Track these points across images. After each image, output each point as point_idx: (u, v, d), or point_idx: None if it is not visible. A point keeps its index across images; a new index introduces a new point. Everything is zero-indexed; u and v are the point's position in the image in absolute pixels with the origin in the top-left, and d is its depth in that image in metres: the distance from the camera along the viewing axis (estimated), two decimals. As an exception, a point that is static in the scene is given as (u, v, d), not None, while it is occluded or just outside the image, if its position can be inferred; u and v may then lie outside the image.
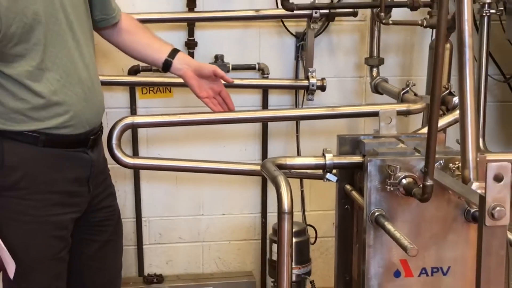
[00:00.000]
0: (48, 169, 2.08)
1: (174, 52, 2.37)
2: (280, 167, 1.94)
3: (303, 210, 3.15)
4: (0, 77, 1.99)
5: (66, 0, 2.07)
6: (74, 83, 2.08)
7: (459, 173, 1.73)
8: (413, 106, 2.54)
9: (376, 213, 1.81)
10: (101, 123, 2.26)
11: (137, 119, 2.54)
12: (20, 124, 2.03)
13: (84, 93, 2.10)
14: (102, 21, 2.31)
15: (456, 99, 2.55)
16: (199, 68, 2.37)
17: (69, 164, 2.12)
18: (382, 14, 2.82)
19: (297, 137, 3.10)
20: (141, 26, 2.42)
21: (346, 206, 2.05)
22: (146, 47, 2.39)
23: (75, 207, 2.15)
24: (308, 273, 2.70)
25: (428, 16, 2.90)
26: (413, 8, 2.89)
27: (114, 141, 2.31)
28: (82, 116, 2.10)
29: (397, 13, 2.93)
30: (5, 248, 2.01)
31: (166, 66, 2.36)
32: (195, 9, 2.92)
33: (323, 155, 1.96)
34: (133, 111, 2.98)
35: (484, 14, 2.76)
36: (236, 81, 2.92)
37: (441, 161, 1.80)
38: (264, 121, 3.04)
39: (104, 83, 2.55)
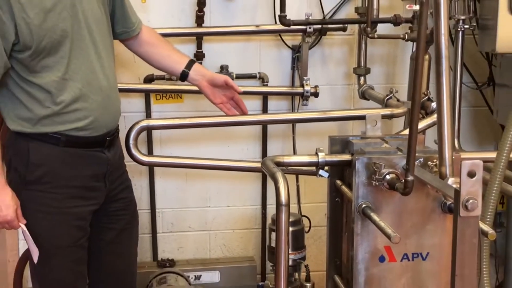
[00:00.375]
0: (68, 166, 2.08)
1: (191, 63, 2.36)
2: (278, 164, 1.93)
3: (299, 203, 3.15)
4: (29, 86, 2.01)
5: (90, 18, 2.08)
6: (94, 91, 2.08)
7: (437, 169, 1.72)
8: (396, 111, 2.53)
9: (363, 205, 1.81)
10: (118, 125, 2.26)
11: (151, 122, 2.55)
12: (44, 127, 2.04)
13: (103, 100, 2.11)
14: (124, 33, 2.31)
15: (434, 104, 2.55)
16: (212, 78, 2.36)
17: (88, 162, 2.12)
18: (368, 29, 2.83)
19: (293, 138, 3.09)
20: (162, 38, 2.41)
21: (336, 199, 2.05)
22: (166, 58, 2.38)
23: (93, 200, 2.15)
24: (303, 258, 2.70)
25: (409, 31, 2.91)
26: (396, 23, 2.90)
27: (131, 142, 2.31)
28: (100, 121, 2.11)
29: (382, 28, 2.94)
30: (30, 236, 2.03)
31: (183, 76, 2.36)
32: (203, 25, 2.92)
33: (316, 154, 1.96)
34: (148, 115, 2.98)
35: (459, 29, 2.76)
36: (240, 88, 2.93)
37: (420, 159, 1.80)
38: (264, 124, 3.04)
39: (122, 90, 2.55)
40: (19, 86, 2.01)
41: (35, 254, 2.05)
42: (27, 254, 2.77)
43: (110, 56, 2.18)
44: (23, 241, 2.95)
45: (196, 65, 2.37)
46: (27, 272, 2.94)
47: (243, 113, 2.40)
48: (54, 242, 2.08)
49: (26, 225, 2.04)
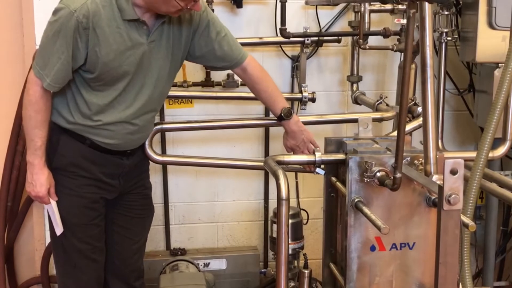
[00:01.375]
0: (89, 162, 2.14)
1: (288, 114, 2.27)
2: (279, 163, 1.94)
3: (298, 197, 3.14)
4: (79, 98, 2.07)
5: (154, 64, 2.09)
6: (129, 123, 2.13)
7: (422, 167, 1.72)
8: (386, 114, 2.53)
9: (356, 200, 1.81)
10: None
11: (165, 125, 2.55)
12: (77, 130, 2.11)
13: (134, 131, 2.15)
14: (226, 67, 2.29)
15: (419, 109, 2.55)
16: (293, 135, 2.28)
17: (106, 163, 2.17)
18: (360, 40, 2.82)
19: (293, 139, 3.08)
20: (265, 74, 2.31)
21: (331, 194, 2.05)
22: (266, 97, 2.31)
23: (106, 191, 2.20)
24: (302, 248, 2.69)
25: (397, 42, 2.90)
26: (386, 36, 2.90)
27: (147, 142, 2.32)
28: (125, 145, 2.17)
29: (373, 40, 2.93)
30: (56, 213, 2.12)
31: (279, 119, 2.29)
32: (211, 37, 2.91)
33: (313, 153, 1.96)
34: (162, 119, 2.98)
35: (442, 41, 2.75)
36: (244, 94, 2.93)
37: (408, 158, 1.80)
38: (266, 126, 3.03)
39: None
40: (72, 93, 2.08)
41: (58, 229, 2.14)
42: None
43: (160, 95, 2.19)
44: (49, 231, 2.95)
45: (292, 119, 2.27)
46: (53, 260, 2.95)
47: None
48: (72, 219, 2.16)
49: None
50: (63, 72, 1.98)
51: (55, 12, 1.96)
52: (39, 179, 2.07)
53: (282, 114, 2.28)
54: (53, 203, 2.12)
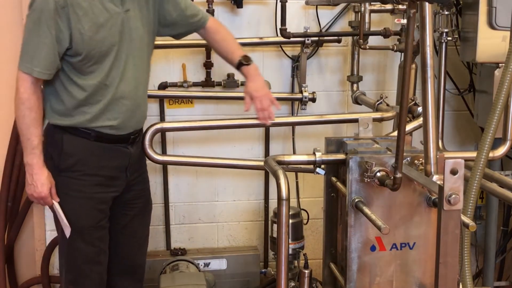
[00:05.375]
0: (96, 157, 2.14)
1: (247, 59, 2.32)
2: (279, 163, 1.94)
3: (298, 197, 3.15)
4: (72, 86, 2.07)
5: (134, 34, 2.13)
6: (126, 97, 2.13)
7: (423, 167, 1.73)
8: (386, 114, 2.53)
9: (356, 200, 1.81)
10: (142, 126, 2.31)
11: (165, 125, 2.55)
12: (78, 122, 2.10)
13: (132, 106, 2.16)
14: (191, 31, 2.37)
15: (420, 109, 2.55)
16: (249, 91, 2.32)
17: (113, 155, 2.18)
18: (361, 40, 2.82)
19: (293, 139, 3.09)
20: (223, 27, 2.42)
21: (332, 194, 2.05)
22: (222, 44, 2.38)
23: (115, 187, 2.20)
24: (302, 248, 2.70)
25: (397, 42, 2.90)
26: (386, 36, 2.90)
27: (147, 142, 2.32)
28: (127, 123, 2.16)
29: (373, 40, 2.93)
30: (61, 213, 2.10)
31: (238, 67, 2.34)
32: (212, 37, 2.92)
33: (314, 153, 1.97)
34: (162, 119, 2.98)
35: (443, 41, 2.75)
36: (244, 94, 2.93)
37: (408, 158, 1.80)
38: (266, 126, 3.03)
39: (139, 96, 2.54)
40: (63, 85, 2.08)
41: (67, 230, 2.12)
42: (54, 242, 2.79)
43: (145, 68, 2.23)
44: (49, 232, 2.96)
45: (252, 65, 2.33)
46: (53, 259, 2.95)
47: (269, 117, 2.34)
48: (80, 222, 2.15)
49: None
50: (51, 57, 1.99)
51: (31, 3, 2.00)
52: (39, 179, 2.06)
53: (241, 60, 2.30)
54: (56, 204, 2.10)
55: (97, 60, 2.05)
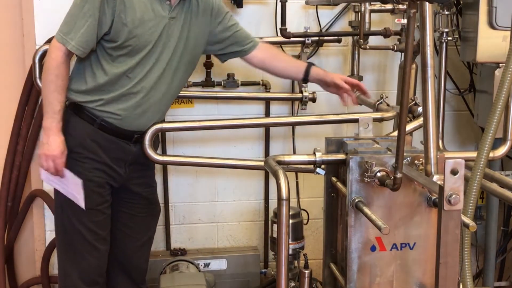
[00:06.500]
0: (96, 144, 2.17)
1: (308, 69, 2.40)
2: (279, 163, 1.94)
3: (298, 197, 3.15)
4: (97, 68, 2.13)
5: (172, 42, 2.18)
6: (145, 97, 2.18)
7: (423, 168, 1.72)
8: (386, 114, 2.53)
9: (356, 200, 1.81)
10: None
11: (165, 125, 2.54)
12: (91, 101, 2.15)
13: (148, 108, 2.20)
14: (238, 53, 2.42)
15: (420, 109, 2.55)
16: (324, 80, 2.41)
17: (113, 147, 2.21)
18: (361, 40, 2.83)
19: (293, 139, 3.09)
20: (276, 51, 2.51)
21: (332, 194, 2.05)
22: (284, 70, 2.47)
23: (111, 177, 2.23)
24: (302, 248, 2.69)
25: (398, 42, 2.90)
26: (386, 36, 2.90)
27: (147, 142, 2.32)
28: (133, 121, 2.20)
29: (373, 40, 2.93)
30: (76, 180, 2.12)
31: (305, 81, 2.45)
32: (212, 37, 2.92)
33: (314, 153, 1.96)
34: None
35: (443, 40, 2.75)
36: (244, 94, 2.95)
37: (408, 158, 1.80)
38: (267, 126, 3.04)
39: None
40: (91, 66, 2.14)
41: (81, 200, 2.13)
42: (54, 243, 2.79)
43: (179, 77, 2.26)
44: (49, 232, 2.96)
45: (312, 70, 2.40)
46: (53, 260, 2.95)
47: (363, 92, 2.44)
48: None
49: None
50: (88, 36, 2.06)
51: None
52: (55, 140, 2.09)
53: (309, 63, 2.41)
54: (67, 171, 2.11)
55: (129, 52, 2.11)
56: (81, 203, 2.14)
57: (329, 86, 2.40)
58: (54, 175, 2.13)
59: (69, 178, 2.13)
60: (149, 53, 2.14)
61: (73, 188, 2.14)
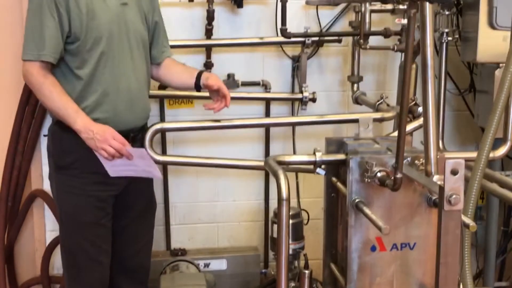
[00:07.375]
0: (94, 155, 2.12)
1: (199, 76, 2.35)
2: (280, 163, 1.94)
3: (298, 197, 3.15)
4: (72, 76, 2.10)
5: (131, 28, 2.18)
6: (121, 90, 2.15)
7: (423, 168, 1.72)
8: (386, 114, 2.53)
9: (356, 200, 1.81)
10: (145, 124, 2.31)
11: (165, 125, 2.55)
12: None
13: (129, 100, 2.17)
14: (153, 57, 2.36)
15: (420, 109, 2.55)
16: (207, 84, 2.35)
17: None
18: (361, 41, 2.82)
19: (293, 139, 3.09)
20: (174, 62, 2.44)
21: (332, 194, 2.05)
22: (178, 77, 2.41)
23: (113, 186, 2.20)
24: (302, 248, 2.70)
25: (398, 42, 2.90)
26: (386, 36, 2.90)
27: (147, 142, 2.32)
28: (123, 117, 2.16)
29: (373, 40, 2.93)
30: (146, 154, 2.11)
31: (197, 89, 2.38)
32: (212, 37, 2.92)
33: (314, 153, 1.97)
34: (162, 119, 2.98)
35: (443, 41, 2.75)
36: (244, 94, 2.95)
37: (408, 158, 1.80)
38: (267, 126, 3.04)
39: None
40: (64, 76, 2.11)
41: (156, 171, 2.12)
42: (54, 243, 2.79)
43: (144, 62, 2.25)
44: (49, 232, 2.96)
45: (203, 75, 2.35)
46: (53, 260, 2.95)
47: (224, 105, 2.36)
48: (80, 219, 2.17)
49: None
50: (56, 40, 2.04)
51: None
52: (97, 127, 2.05)
53: (200, 70, 2.37)
54: (129, 147, 2.06)
55: (91, 46, 2.09)
56: (156, 174, 2.12)
57: (211, 89, 2.33)
58: (121, 153, 2.06)
59: (133, 153, 2.08)
60: (111, 43, 2.11)
61: (142, 162, 2.09)
